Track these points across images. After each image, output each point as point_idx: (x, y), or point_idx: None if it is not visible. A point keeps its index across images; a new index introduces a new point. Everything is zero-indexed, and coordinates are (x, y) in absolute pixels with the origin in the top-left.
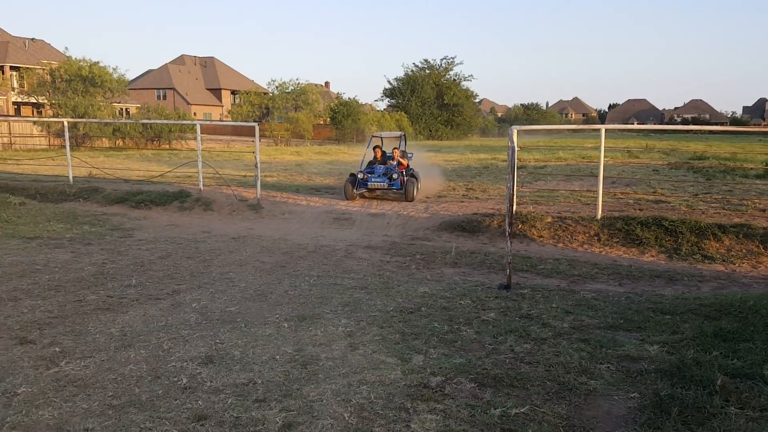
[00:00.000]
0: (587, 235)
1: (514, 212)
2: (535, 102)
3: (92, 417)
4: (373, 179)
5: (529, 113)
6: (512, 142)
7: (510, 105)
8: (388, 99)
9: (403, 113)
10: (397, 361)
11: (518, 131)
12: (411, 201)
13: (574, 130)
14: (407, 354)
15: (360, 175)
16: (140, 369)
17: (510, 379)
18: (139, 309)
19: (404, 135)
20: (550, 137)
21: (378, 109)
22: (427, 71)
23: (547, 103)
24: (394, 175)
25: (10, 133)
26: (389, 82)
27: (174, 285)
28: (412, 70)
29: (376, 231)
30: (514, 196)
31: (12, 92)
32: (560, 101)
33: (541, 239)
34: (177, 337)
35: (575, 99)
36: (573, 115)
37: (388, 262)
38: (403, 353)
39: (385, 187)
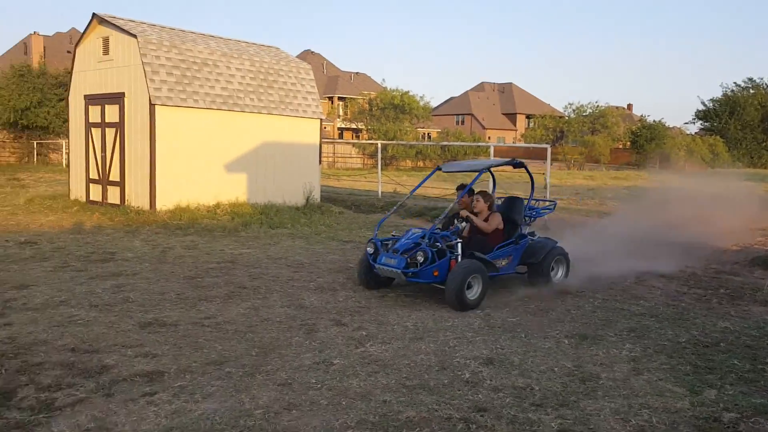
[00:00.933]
0: None
1: None
2: None
3: (390, 392)
4: (383, 257)
5: None
6: None
7: None
8: (701, 122)
9: (717, 138)
10: (685, 392)
11: None
12: (461, 310)
13: None
14: (698, 386)
15: (369, 247)
16: (429, 359)
17: None
18: (430, 309)
19: (521, 164)
20: None
21: (688, 132)
22: (751, 91)
23: None
24: (419, 256)
25: (334, 154)
26: (703, 103)
27: None
28: (732, 90)
29: (675, 260)
30: None
31: (338, 119)
32: None
33: None
34: (461, 338)
35: None
36: None
37: (685, 293)
38: (694, 385)
39: (401, 275)
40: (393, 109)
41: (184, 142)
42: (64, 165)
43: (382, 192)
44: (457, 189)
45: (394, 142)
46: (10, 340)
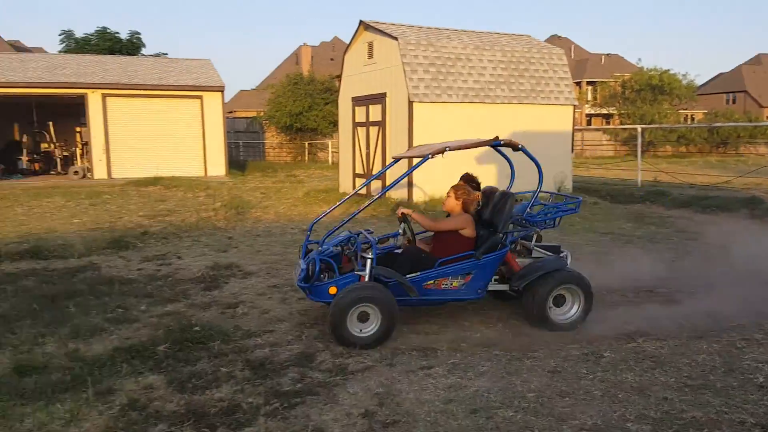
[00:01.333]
0: None
1: None
2: None
3: (670, 390)
4: (296, 267)
5: None
6: None
7: None
8: None
9: None
10: None
11: None
12: (347, 346)
13: None
14: None
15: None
16: (713, 360)
17: None
18: (707, 307)
19: (512, 145)
20: None
21: None
22: None
23: None
24: (310, 267)
25: (582, 141)
26: None
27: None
28: None
29: None
30: None
31: (586, 105)
32: None
33: None
34: (750, 339)
35: None
36: None
37: None
38: None
39: (304, 291)
40: (650, 91)
41: (439, 136)
42: (330, 162)
43: (642, 181)
44: (461, 179)
45: (654, 125)
46: (305, 311)
